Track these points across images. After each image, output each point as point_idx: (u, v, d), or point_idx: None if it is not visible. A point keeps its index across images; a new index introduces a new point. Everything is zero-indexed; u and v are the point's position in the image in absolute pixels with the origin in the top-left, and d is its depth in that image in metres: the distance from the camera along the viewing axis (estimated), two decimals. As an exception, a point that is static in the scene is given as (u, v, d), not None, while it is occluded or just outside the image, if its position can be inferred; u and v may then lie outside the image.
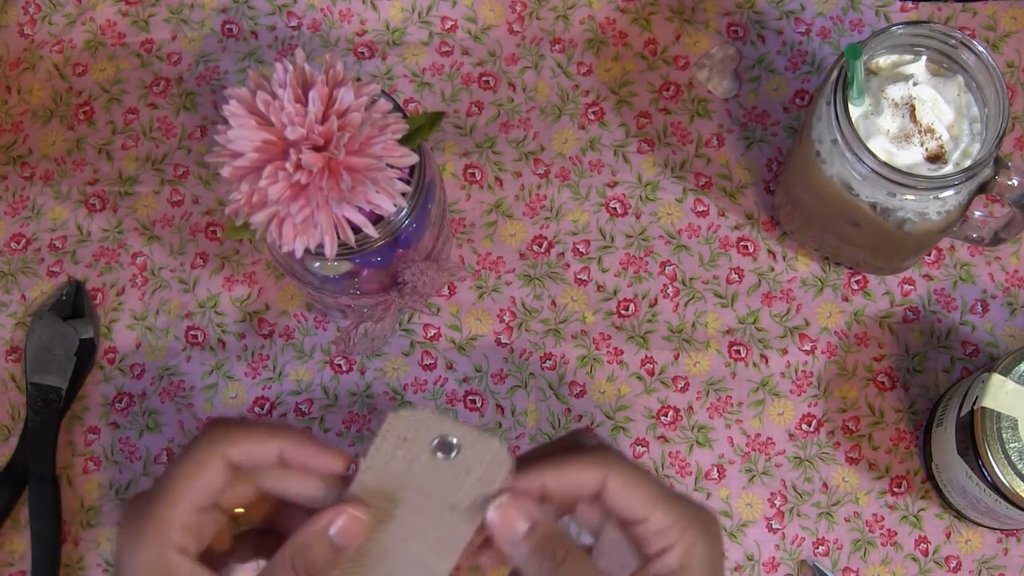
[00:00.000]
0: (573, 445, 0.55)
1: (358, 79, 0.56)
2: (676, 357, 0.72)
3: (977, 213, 0.67)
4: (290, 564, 0.53)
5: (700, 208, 0.74)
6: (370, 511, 0.53)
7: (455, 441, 0.53)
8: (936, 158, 0.62)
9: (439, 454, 0.53)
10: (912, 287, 0.73)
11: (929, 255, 0.73)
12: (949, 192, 0.61)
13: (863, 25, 0.76)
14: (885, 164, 0.60)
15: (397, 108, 0.57)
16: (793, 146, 0.69)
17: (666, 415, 0.72)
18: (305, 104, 0.54)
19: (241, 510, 0.57)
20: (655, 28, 0.76)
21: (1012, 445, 0.62)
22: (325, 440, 0.57)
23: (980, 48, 0.62)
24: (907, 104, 0.63)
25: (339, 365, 0.72)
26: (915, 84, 0.63)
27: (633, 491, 0.51)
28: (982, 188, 0.62)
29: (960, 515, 0.70)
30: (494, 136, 0.75)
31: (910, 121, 0.62)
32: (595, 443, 0.56)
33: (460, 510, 0.53)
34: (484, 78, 0.76)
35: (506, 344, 0.72)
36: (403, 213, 0.59)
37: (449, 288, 0.73)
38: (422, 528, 0.53)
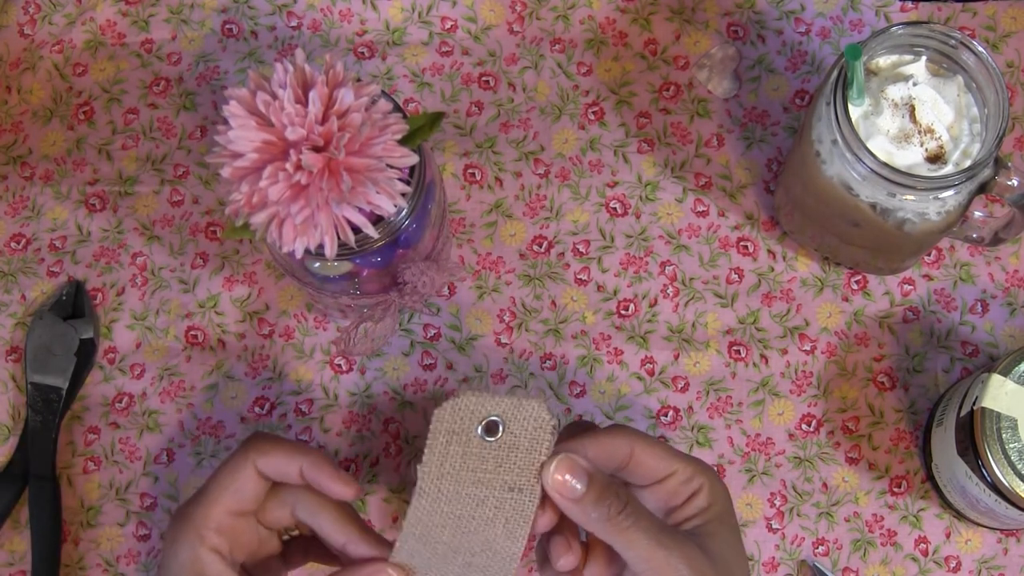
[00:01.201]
0: (586, 429, 0.60)
1: (358, 79, 0.56)
2: (676, 357, 0.72)
3: (977, 213, 0.67)
4: None
5: (700, 208, 0.74)
6: (434, 520, 0.56)
7: (498, 419, 0.56)
8: (936, 158, 0.62)
9: (487, 437, 0.56)
10: (912, 287, 0.73)
11: (929, 255, 0.73)
12: (949, 192, 0.61)
13: (863, 25, 0.76)
14: (885, 164, 0.60)
15: (397, 108, 0.57)
16: (793, 146, 0.69)
17: (666, 415, 0.72)
18: (305, 104, 0.54)
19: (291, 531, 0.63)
20: (655, 28, 0.76)
21: (1012, 445, 0.62)
22: (345, 472, 0.60)
23: (980, 48, 0.62)
24: (907, 104, 0.63)
25: (339, 365, 0.72)
26: (915, 84, 0.63)
27: (656, 452, 0.58)
28: (982, 188, 0.62)
29: (960, 515, 0.70)
30: (494, 136, 0.75)
31: (910, 121, 0.62)
32: (607, 425, 0.62)
33: (519, 489, 0.56)
34: (484, 78, 0.76)
35: (506, 344, 0.72)
36: (403, 213, 0.59)
37: (449, 288, 0.73)
38: (489, 519, 0.57)
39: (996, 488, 0.63)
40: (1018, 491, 0.62)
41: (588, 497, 0.55)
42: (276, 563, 0.63)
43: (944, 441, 0.67)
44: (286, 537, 0.64)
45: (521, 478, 0.56)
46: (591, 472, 0.55)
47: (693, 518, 0.57)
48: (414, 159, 0.56)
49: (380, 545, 0.59)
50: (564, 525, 0.58)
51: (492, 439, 0.56)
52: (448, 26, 0.76)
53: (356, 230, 0.56)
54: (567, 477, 0.55)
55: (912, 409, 0.72)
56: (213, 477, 0.60)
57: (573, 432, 0.59)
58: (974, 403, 0.63)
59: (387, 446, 0.72)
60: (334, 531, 0.59)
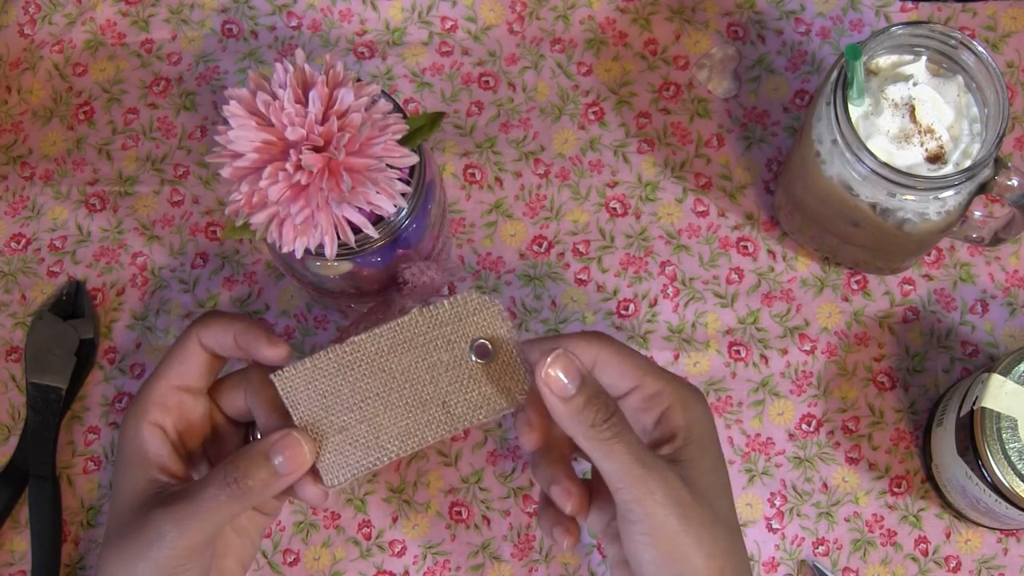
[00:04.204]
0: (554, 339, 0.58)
1: (358, 79, 0.56)
2: (676, 357, 0.72)
3: (977, 213, 0.67)
4: (222, 479, 0.55)
5: (700, 208, 0.74)
6: (368, 368, 0.55)
7: (491, 349, 0.55)
8: (936, 158, 0.62)
9: (473, 354, 0.55)
10: (912, 287, 0.73)
11: (929, 255, 0.73)
12: (949, 192, 0.61)
13: (863, 25, 0.76)
14: (885, 164, 0.60)
15: (397, 108, 0.57)
16: (793, 146, 0.69)
17: (666, 415, 0.72)
18: (305, 105, 0.54)
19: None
20: (655, 28, 0.76)
21: (1012, 445, 0.62)
22: (276, 335, 0.59)
23: (980, 48, 0.62)
24: (907, 104, 0.63)
25: (339, 365, 0.72)
26: (915, 84, 0.63)
27: (622, 361, 0.56)
28: (982, 188, 0.62)
29: (960, 515, 0.70)
30: (494, 136, 0.75)
31: (910, 121, 0.62)
32: (580, 330, 0.60)
33: (449, 412, 0.55)
34: (484, 78, 0.76)
35: (506, 344, 0.72)
36: (403, 213, 0.59)
37: (449, 288, 0.73)
38: (404, 408, 0.55)
39: (996, 488, 0.63)
40: (1018, 491, 0.62)
41: (578, 399, 0.53)
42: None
43: (944, 441, 0.67)
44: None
45: (458, 408, 0.55)
46: (584, 375, 0.53)
47: (668, 442, 0.55)
48: (414, 159, 0.56)
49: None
50: (560, 472, 0.56)
51: (475, 359, 0.55)
52: (448, 26, 0.76)
53: (356, 230, 0.56)
54: (560, 374, 0.52)
55: (912, 409, 0.72)
56: (163, 358, 0.59)
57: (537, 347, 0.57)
58: (974, 403, 0.63)
59: (387, 446, 0.72)
60: (264, 413, 0.58)
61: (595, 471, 0.58)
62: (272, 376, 0.55)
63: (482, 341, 0.55)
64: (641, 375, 0.56)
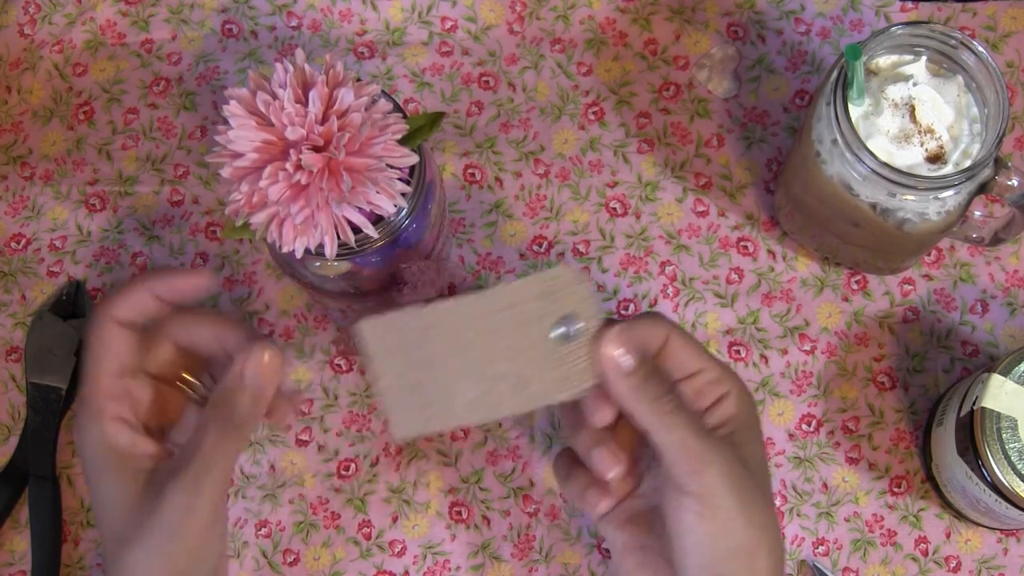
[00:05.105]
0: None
1: (358, 79, 0.56)
2: (676, 357, 0.72)
3: (977, 213, 0.67)
4: (217, 426, 0.54)
5: (700, 208, 0.74)
6: (448, 333, 0.54)
7: (578, 330, 0.54)
8: (936, 158, 0.62)
9: (556, 332, 0.54)
10: (912, 287, 0.73)
11: (929, 255, 0.73)
12: (949, 192, 0.61)
13: (863, 25, 0.76)
14: (885, 164, 0.60)
15: (397, 108, 0.57)
16: (793, 146, 0.69)
17: (666, 415, 0.72)
18: (305, 104, 0.54)
19: (190, 378, 0.60)
20: (655, 28, 0.76)
21: (1012, 445, 0.62)
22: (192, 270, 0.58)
23: (980, 48, 0.62)
24: (907, 104, 0.63)
25: (339, 365, 0.72)
26: (915, 84, 0.63)
27: (690, 346, 0.57)
28: (982, 188, 0.62)
29: (960, 515, 0.70)
30: (494, 136, 0.75)
31: (910, 121, 0.62)
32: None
33: (524, 389, 0.54)
34: (484, 78, 0.76)
35: (506, 344, 0.72)
36: (403, 213, 0.59)
37: (449, 288, 0.73)
38: (478, 379, 0.55)
39: (996, 488, 0.63)
40: (1018, 491, 0.62)
41: (638, 374, 0.54)
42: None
43: (944, 441, 0.67)
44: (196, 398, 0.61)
45: (532, 387, 0.54)
46: (642, 352, 0.54)
47: (722, 426, 0.57)
48: (414, 159, 0.56)
49: (253, 332, 0.57)
50: (603, 435, 0.57)
51: (557, 339, 0.54)
52: (448, 26, 0.76)
53: (356, 230, 0.56)
54: (621, 350, 0.54)
55: (912, 409, 0.72)
56: (85, 357, 0.57)
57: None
58: (974, 403, 0.63)
59: (387, 446, 0.72)
60: (210, 334, 0.57)
61: (616, 438, 0.59)
62: (360, 323, 0.55)
63: (567, 320, 0.54)
64: (705, 360, 0.57)
